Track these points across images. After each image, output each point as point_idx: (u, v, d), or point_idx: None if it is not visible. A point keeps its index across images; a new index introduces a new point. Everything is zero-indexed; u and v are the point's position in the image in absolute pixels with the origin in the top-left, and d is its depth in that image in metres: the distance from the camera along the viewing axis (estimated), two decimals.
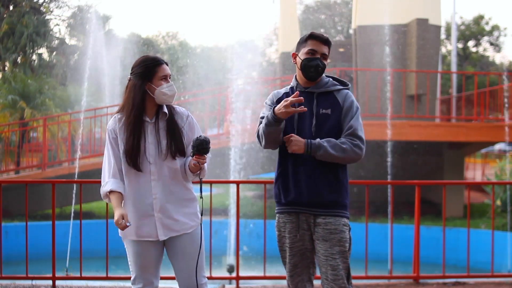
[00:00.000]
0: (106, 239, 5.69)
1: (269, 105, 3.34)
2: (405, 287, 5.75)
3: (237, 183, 5.86)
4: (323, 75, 3.32)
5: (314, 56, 3.22)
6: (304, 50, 3.25)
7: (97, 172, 12.04)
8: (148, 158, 3.14)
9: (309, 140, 3.14)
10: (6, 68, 23.48)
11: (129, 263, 3.26)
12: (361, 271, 5.96)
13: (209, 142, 3.07)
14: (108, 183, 3.16)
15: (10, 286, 5.52)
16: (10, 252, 7.62)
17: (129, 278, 5.66)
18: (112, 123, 3.22)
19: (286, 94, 3.34)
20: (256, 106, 14.22)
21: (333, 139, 3.16)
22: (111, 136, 3.19)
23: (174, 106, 3.28)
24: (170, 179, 3.18)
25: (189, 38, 62.82)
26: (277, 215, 3.34)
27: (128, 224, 3.05)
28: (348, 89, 3.33)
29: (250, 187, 17.18)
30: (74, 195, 10.41)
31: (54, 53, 24.55)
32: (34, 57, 24.09)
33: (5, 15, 23.37)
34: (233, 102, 12.13)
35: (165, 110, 3.20)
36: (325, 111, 3.22)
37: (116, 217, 3.04)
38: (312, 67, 3.21)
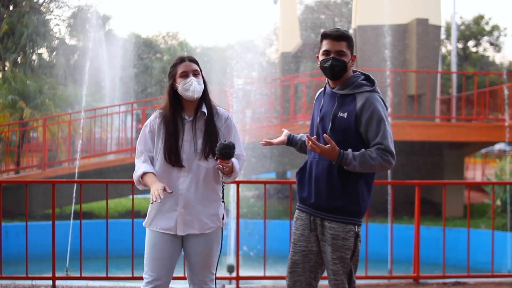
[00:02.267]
0: (106, 239, 5.68)
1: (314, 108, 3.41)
2: (405, 287, 5.75)
3: (237, 183, 5.86)
4: (357, 72, 3.25)
5: (328, 57, 3.14)
6: (321, 51, 3.20)
7: (97, 172, 12.12)
8: (181, 155, 3.21)
9: (341, 152, 3.05)
10: (6, 68, 23.47)
11: (144, 256, 3.30)
12: (361, 271, 5.95)
13: (233, 147, 3.08)
14: (140, 168, 3.25)
15: (10, 286, 5.51)
16: (10, 252, 7.64)
17: (129, 278, 5.69)
18: (153, 117, 3.33)
19: (320, 93, 3.35)
20: (256, 106, 14.23)
21: (366, 153, 3.07)
22: (148, 129, 3.30)
23: (217, 107, 3.35)
24: (200, 177, 3.24)
25: (189, 38, 62.83)
26: (296, 209, 3.37)
27: (170, 191, 3.10)
28: (372, 91, 3.16)
29: (250, 187, 17.18)
30: (74, 195, 10.41)
31: (54, 53, 24.54)
32: (34, 57, 24.07)
33: (5, 15, 23.36)
34: (233, 102, 12.12)
35: (204, 109, 3.27)
36: (342, 115, 3.14)
37: (157, 187, 3.07)
38: (327, 69, 3.16)
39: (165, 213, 3.24)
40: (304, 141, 3.37)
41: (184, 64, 3.26)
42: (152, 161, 3.29)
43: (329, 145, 3.03)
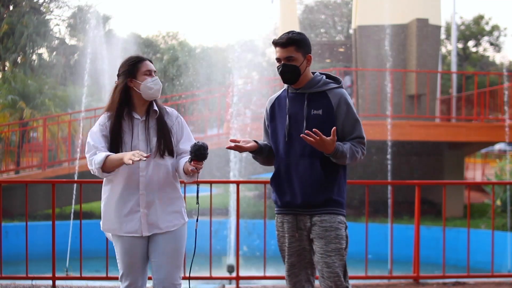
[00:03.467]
0: (106, 239, 5.67)
1: (265, 117, 3.40)
2: (405, 287, 5.75)
3: (237, 183, 5.88)
4: (317, 72, 3.30)
5: (279, 64, 3.22)
6: None
7: None
8: None
9: (338, 145, 3.10)
10: (6, 68, 23.50)
11: (117, 260, 3.29)
12: (361, 271, 5.96)
13: (207, 148, 3.05)
14: (100, 154, 3.10)
15: (10, 286, 5.52)
16: (10, 252, 7.62)
17: None
18: (102, 119, 3.26)
19: (278, 98, 3.35)
20: (256, 106, 14.23)
21: (352, 146, 3.17)
22: (102, 131, 3.20)
23: (165, 106, 3.35)
24: (159, 176, 3.21)
25: (189, 38, 62.86)
26: (276, 215, 3.37)
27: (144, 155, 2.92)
28: (341, 87, 3.26)
29: (250, 187, 17.17)
30: (74, 195, 10.40)
31: (54, 53, 24.56)
32: (34, 57, 24.09)
33: (5, 15, 23.38)
34: (233, 102, 12.13)
35: (156, 108, 3.25)
36: (316, 112, 3.19)
37: (129, 155, 2.93)
38: (281, 75, 3.24)
39: (128, 216, 3.19)
40: (270, 146, 3.33)
41: (147, 63, 3.23)
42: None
43: (331, 137, 3.05)
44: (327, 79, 3.28)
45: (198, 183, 3.20)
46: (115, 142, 3.18)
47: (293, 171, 3.22)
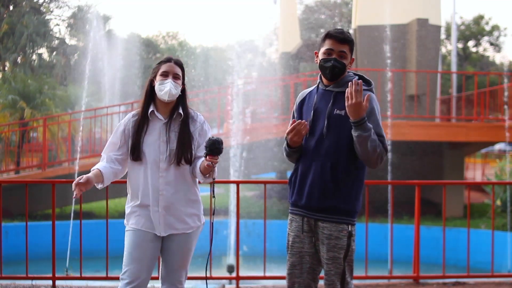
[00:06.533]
0: (106, 239, 5.69)
1: (295, 110, 3.36)
2: (405, 287, 5.75)
3: (237, 183, 5.88)
4: (350, 73, 3.27)
5: (330, 57, 3.16)
6: (322, 49, 3.20)
7: None
8: (159, 155, 3.19)
9: (365, 116, 3.04)
10: (6, 68, 23.51)
11: (125, 256, 3.24)
12: (361, 271, 5.95)
13: (222, 143, 3.06)
14: (97, 165, 3.31)
15: (10, 286, 5.52)
16: (10, 252, 7.62)
17: None
18: (127, 118, 3.33)
19: (310, 93, 3.32)
20: (256, 106, 14.23)
21: (377, 139, 3.09)
22: (120, 129, 3.29)
23: (193, 112, 3.33)
24: (178, 177, 3.23)
25: (189, 38, 62.87)
26: (289, 212, 3.38)
27: (80, 184, 3.16)
28: (369, 90, 3.20)
29: (250, 187, 17.17)
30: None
31: (54, 53, 24.59)
32: (34, 57, 24.11)
33: (5, 15, 23.38)
34: (233, 102, 12.12)
35: (181, 111, 3.25)
36: (338, 112, 3.14)
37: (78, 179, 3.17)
38: (327, 68, 3.17)
39: (146, 211, 3.22)
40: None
41: (168, 64, 3.24)
42: (119, 162, 3.29)
43: (365, 103, 3.02)
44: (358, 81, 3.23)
45: (213, 182, 3.22)
46: (135, 141, 3.22)
47: (306, 169, 3.20)
